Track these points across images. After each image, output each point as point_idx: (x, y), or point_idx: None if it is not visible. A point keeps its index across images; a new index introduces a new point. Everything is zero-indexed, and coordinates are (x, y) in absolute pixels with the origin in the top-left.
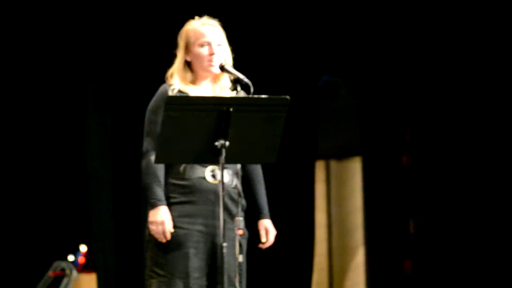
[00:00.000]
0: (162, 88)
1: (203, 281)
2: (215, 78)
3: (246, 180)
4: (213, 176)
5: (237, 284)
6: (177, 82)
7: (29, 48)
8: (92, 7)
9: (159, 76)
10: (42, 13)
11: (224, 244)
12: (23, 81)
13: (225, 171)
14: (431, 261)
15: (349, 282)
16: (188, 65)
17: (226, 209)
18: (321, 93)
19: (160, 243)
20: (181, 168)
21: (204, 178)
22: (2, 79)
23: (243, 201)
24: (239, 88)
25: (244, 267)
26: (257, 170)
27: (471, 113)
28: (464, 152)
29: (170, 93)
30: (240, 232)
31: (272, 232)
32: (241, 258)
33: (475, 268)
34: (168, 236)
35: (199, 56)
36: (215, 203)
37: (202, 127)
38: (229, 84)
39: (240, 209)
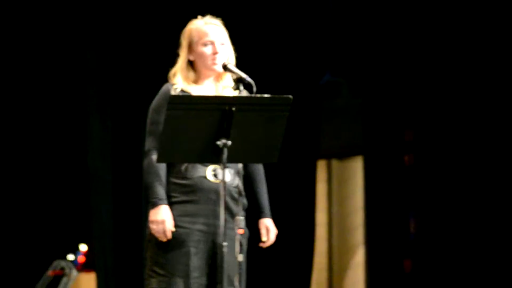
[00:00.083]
0: (164, 87)
1: (203, 280)
2: (218, 77)
3: (248, 179)
4: (215, 175)
5: (236, 283)
6: (180, 82)
7: (31, 49)
8: (94, 8)
9: (161, 76)
10: (45, 15)
11: (224, 244)
12: (25, 82)
13: (227, 171)
14: (431, 261)
15: (349, 281)
16: (191, 64)
17: (227, 208)
18: (323, 93)
19: (161, 242)
20: (183, 167)
21: (205, 177)
22: (5, 80)
23: (244, 200)
24: (241, 87)
25: (244, 267)
26: (259, 170)
27: (474, 113)
28: (465, 152)
29: (173, 93)
30: (241, 231)
31: (273, 231)
32: (241, 258)
33: (475, 268)
34: (169, 235)
35: (202, 55)
36: (216, 202)
37: (204, 126)
38: (232, 84)
39: (241, 208)
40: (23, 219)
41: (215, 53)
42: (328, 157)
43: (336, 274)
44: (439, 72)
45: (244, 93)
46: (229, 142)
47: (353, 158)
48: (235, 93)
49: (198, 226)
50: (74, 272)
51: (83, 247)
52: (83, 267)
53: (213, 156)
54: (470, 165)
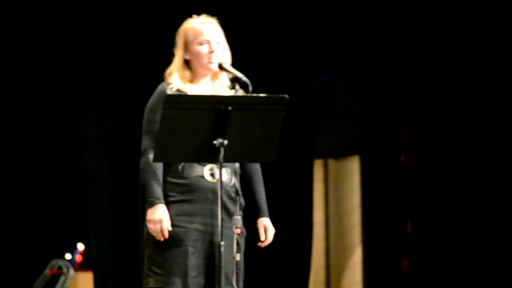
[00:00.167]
0: (160, 86)
1: (201, 280)
2: (214, 77)
3: (245, 178)
4: (212, 174)
5: (234, 283)
6: (176, 81)
7: (27, 49)
8: (89, 8)
9: (156, 75)
10: (41, 14)
11: (222, 243)
12: (21, 81)
13: (224, 170)
14: (429, 261)
15: (346, 281)
16: (186, 63)
17: (225, 207)
18: (319, 92)
19: (158, 241)
20: (180, 166)
21: (202, 176)
22: (0, 80)
23: (241, 200)
24: (237, 86)
25: (241, 266)
26: (256, 169)
27: (470, 112)
28: (462, 152)
29: (169, 92)
30: (238, 230)
31: (271, 231)
32: (238, 257)
33: (473, 268)
34: (166, 235)
35: (198, 54)
36: (214, 201)
37: (201, 125)
38: (228, 83)
39: (238, 207)
40: (20, 219)
41: (211, 52)
42: (324, 156)
43: (333, 274)
44: (436, 71)
45: (240, 92)
46: (226, 142)
47: (350, 157)
48: (231, 93)
49: (195, 225)
50: (72, 271)
51: (80, 246)
52: (81, 266)
53: (210, 156)
54: (467, 164)
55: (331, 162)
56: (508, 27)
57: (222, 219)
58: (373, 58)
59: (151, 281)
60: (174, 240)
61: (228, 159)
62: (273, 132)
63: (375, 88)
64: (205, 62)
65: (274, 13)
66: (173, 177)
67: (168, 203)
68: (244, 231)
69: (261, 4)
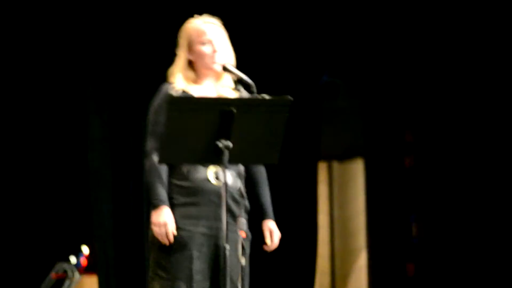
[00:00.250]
0: (163, 87)
1: (206, 284)
2: (217, 77)
3: (250, 181)
4: (217, 177)
5: (239, 286)
6: (179, 81)
7: (30, 49)
8: (92, 8)
9: (159, 75)
10: (43, 15)
11: (227, 247)
12: (24, 81)
13: (228, 173)
14: (434, 264)
15: (351, 285)
16: (189, 64)
17: (229, 211)
18: (323, 94)
19: (164, 245)
20: (185, 169)
21: (207, 179)
22: (4, 79)
23: (246, 203)
24: (241, 88)
25: (246, 270)
26: (261, 172)
27: (474, 115)
28: (467, 154)
29: (173, 93)
30: (243, 233)
31: (277, 234)
32: (243, 261)
33: (478, 271)
34: (171, 238)
35: (201, 54)
36: (218, 204)
37: (205, 127)
38: (232, 84)
39: (243, 210)
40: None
41: (214, 51)
42: (328, 158)
43: (338, 278)
44: (439, 73)
45: (244, 93)
46: (230, 143)
47: (354, 160)
48: (235, 94)
49: (200, 228)
50: (77, 275)
51: (85, 249)
52: (85, 270)
53: (214, 157)
54: (471, 166)
55: (335, 165)
56: (508, 28)
57: (227, 222)
58: (375, 59)
59: (156, 285)
60: (180, 244)
61: (232, 160)
62: (277, 134)
63: (379, 90)
64: (208, 62)
65: (277, 14)
66: (178, 179)
67: (172, 206)
68: (249, 234)
69: (263, 5)
